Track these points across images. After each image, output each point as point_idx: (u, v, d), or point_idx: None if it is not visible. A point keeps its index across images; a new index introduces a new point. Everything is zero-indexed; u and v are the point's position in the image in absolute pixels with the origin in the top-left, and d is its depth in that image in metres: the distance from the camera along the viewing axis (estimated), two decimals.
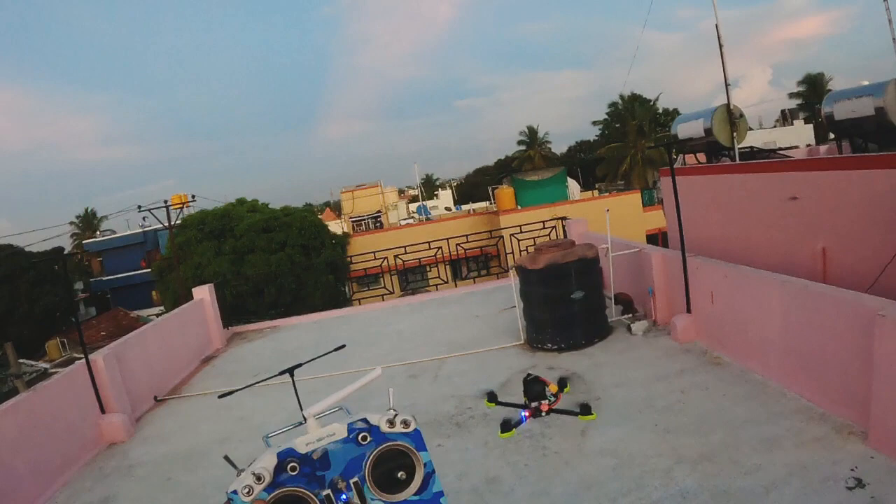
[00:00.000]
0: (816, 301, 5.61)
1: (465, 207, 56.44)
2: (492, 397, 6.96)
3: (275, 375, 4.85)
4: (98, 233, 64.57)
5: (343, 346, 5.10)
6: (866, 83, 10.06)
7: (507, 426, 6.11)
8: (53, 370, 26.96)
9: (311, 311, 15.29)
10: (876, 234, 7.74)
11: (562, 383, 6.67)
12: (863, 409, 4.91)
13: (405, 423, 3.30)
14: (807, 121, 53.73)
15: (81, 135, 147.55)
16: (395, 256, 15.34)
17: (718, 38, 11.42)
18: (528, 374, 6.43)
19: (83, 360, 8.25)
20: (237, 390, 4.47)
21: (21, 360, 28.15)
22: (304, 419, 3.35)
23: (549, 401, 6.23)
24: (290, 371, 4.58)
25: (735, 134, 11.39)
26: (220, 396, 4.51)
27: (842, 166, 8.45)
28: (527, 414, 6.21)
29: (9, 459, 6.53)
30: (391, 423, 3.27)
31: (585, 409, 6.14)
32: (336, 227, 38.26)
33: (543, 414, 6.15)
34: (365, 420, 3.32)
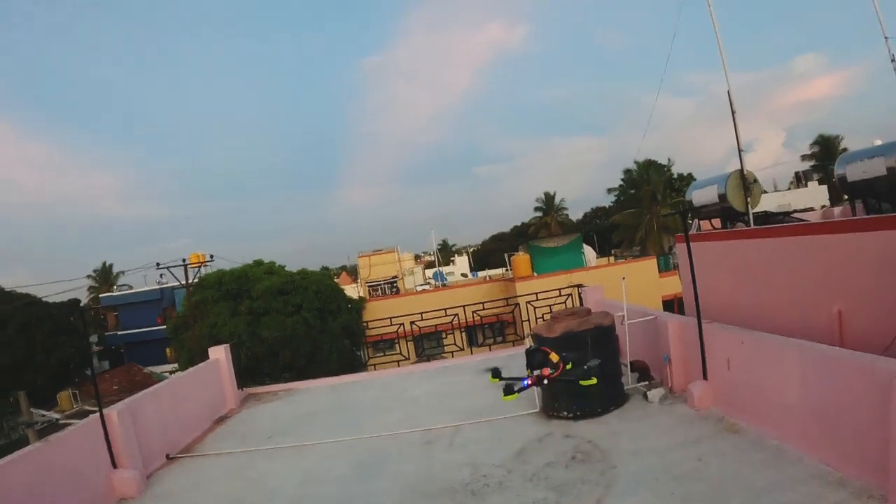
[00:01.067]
0: (833, 365, 5.62)
1: (481, 274, 56.54)
2: (496, 373, 6.91)
3: None
4: (115, 287, 65.24)
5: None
6: (879, 142, 10.16)
7: (509, 390, 6.07)
8: (65, 421, 26.92)
9: (325, 374, 15.31)
10: (892, 294, 7.72)
11: (564, 358, 6.60)
12: (882, 474, 4.86)
13: None
14: (821, 182, 53.78)
15: (103, 190, 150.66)
16: (411, 322, 15.38)
17: (731, 104, 11.61)
18: (530, 346, 6.40)
19: (97, 414, 8.30)
20: None
21: (33, 410, 28.17)
22: None
23: (552, 369, 6.18)
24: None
25: (749, 199, 11.47)
26: None
27: (854, 228, 8.48)
28: (529, 381, 6.17)
29: None
30: None
31: (585, 375, 6.08)
32: (352, 291, 38.42)
33: (545, 381, 6.09)
34: None
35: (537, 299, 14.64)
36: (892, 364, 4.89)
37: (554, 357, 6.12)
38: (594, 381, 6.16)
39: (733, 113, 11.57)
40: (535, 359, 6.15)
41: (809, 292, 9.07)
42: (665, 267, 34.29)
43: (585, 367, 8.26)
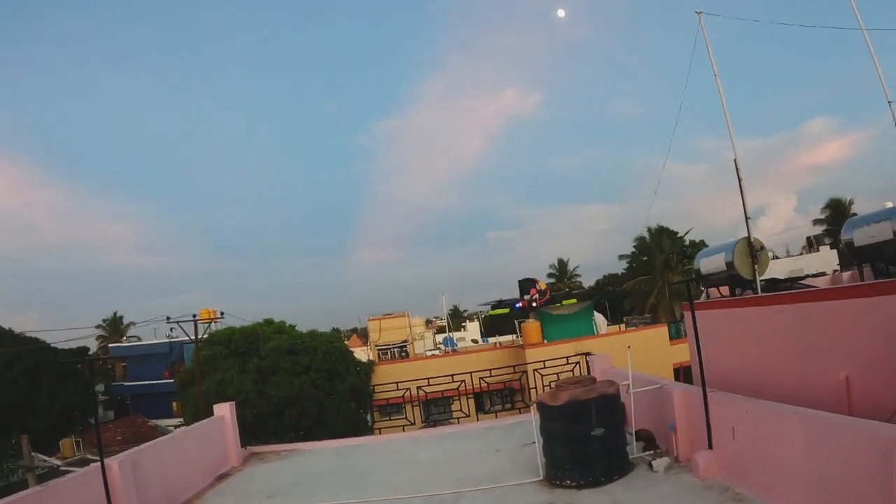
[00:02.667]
0: (836, 433, 5.61)
1: (491, 340, 56.23)
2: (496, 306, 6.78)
3: None
4: (125, 338, 65.23)
5: None
6: (890, 205, 10.22)
7: (500, 306, 5.96)
8: (66, 468, 26.72)
9: (331, 435, 15.19)
10: None
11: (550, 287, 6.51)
12: None
13: None
14: (832, 246, 53.52)
15: (117, 240, 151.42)
16: (419, 388, 15.32)
17: (737, 172, 11.77)
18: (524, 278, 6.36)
19: (98, 463, 8.32)
20: None
21: (34, 454, 28.02)
22: None
23: (540, 294, 6.13)
24: None
25: (756, 266, 11.51)
26: None
27: (860, 294, 8.49)
28: (521, 304, 6.11)
29: None
30: None
31: (566, 297, 5.99)
32: (362, 353, 38.31)
33: (534, 304, 6.02)
34: None
35: (545, 367, 14.58)
36: (893, 431, 4.85)
37: (542, 285, 6.14)
38: (574, 301, 6.14)
39: (740, 181, 11.74)
40: (524, 287, 6.16)
41: (817, 359, 9.04)
42: (676, 334, 33.99)
43: (591, 433, 8.26)
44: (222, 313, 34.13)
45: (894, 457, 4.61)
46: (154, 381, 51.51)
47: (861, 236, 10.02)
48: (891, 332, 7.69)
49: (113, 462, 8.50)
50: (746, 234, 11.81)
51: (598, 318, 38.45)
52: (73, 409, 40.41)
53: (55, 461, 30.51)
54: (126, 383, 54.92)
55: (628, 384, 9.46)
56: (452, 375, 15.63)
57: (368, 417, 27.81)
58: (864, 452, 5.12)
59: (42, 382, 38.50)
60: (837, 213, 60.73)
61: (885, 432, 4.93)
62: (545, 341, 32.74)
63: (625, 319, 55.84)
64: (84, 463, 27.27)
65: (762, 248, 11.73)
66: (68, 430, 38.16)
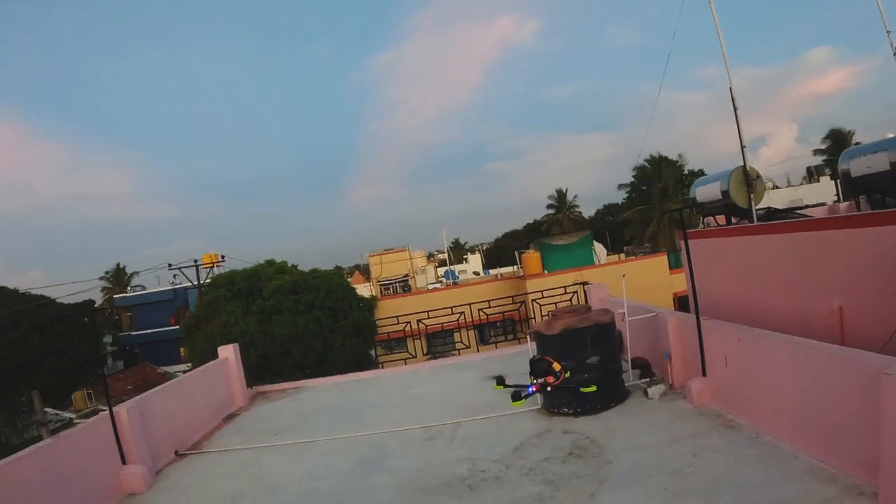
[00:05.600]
0: (823, 361, 5.65)
1: (493, 272, 56.53)
2: (500, 381, 6.99)
3: None
4: (129, 288, 65.71)
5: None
6: (891, 136, 10.12)
7: (517, 396, 6.16)
8: (78, 420, 27.20)
9: (337, 372, 15.39)
10: (892, 290, 7.71)
11: (565, 367, 6.69)
12: (872, 469, 4.88)
13: None
14: (832, 177, 53.38)
15: (116, 190, 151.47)
16: (419, 321, 15.45)
17: (733, 100, 11.61)
18: (534, 356, 6.50)
19: (107, 412, 8.48)
20: None
21: (47, 409, 28.51)
22: None
23: (555, 376, 6.28)
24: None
25: (752, 195, 11.47)
26: None
27: (856, 224, 8.47)
28: (534, 388, 6.27)
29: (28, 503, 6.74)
30: None
31: (587, 383, 6.16)
32: (365, 290, 38.56)
33: (549, 388, 6.19)
34: None
35: (543, 297, 14.67)
36: (880, 360, 4.91)
37: (556, 366, 6.24)
38: (594, 388, 6.26)
39: (735, 109, 11.59)
40: (539, 367, 6.27)
41: (811, 288, 9.07)
42: (676, 263, 34.04)
43: (586, 361, 8.37)
44: (223, 257, 34.29)
45: (881, 386, 4.67)
46: (160, 329, 52.17)
47: (858, 167, 9.93)
48: (885, 263, 7.70)
49: (121, 409, 8.65)
50: (742, 163, 11.73)
51: (598, 247, 38.57)
52: (82, 362, 40.92)
53: (68, 414, 31.01)
54: (133, 333, 55.63)
55: (623, 312, 9.54)
56: (452, 308, 15.75)
57: (373, 352, 28.15)
58: (852, 381, 5.19)
59: (50, 338, 38.86)
60: (838, 143, 60.18)
61: (873, 361, 4.98)
62: (545, 272, 32.93)
63: (625, 249, 56.03)
64: (96, 413, 27.75)
65: (758, 176, 11.66)
66: (79, 384, 38.71)
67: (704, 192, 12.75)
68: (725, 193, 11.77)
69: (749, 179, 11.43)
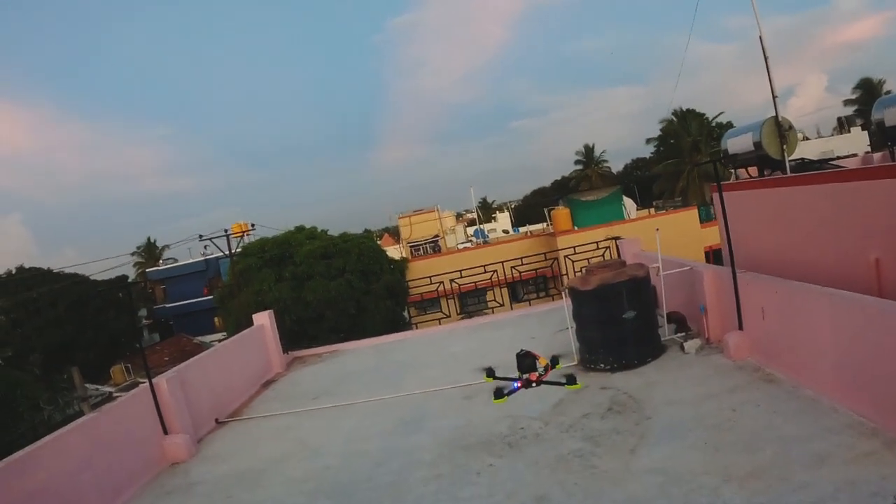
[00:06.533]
0: (866, 314, 5.58)
1: (522, 230, 56.36)
2: (490, 372, 7.08)
3: None
4: (161, 261, 66.48)
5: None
6: None
7: (499, 394, 6.25)
8: (118, 394, 27.87)
9: (370, 335, 15.56)
10: None
11: (554, 360, 6.74)
12: None
13: None
14: (864, 127, 52.18)
15: (143, 165, 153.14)
16: (451, 281, 15.52)
17: (763, 50, 11.36)
18: (521, 350, 6.54)
19: (147, 384, 8.68)
20: None
21: (87, 385, 29.20)
22: None
23: (539, 373, 6.33)
24: None
25: (785, 146, 11.26)
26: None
27: (892, 174, 8.31)
28: (518, 384, 6.33)
29: (76, 474, 7.00)
30: None
31: (571, 380, 6.23)
32: (395, 252, 38.69)
33: (534, 384, 6.26)
34: None
35: (575, 253, 14.64)
36: None
37: (542, 361, 6.26)
38: (579, 386, 6.29)
39: (766, 59, 11.34)
40: (524, 363, 6.29)
41: (847, 240, 8.93)
42: (706, 217, 33.62)
43: (623, 316, 8.39)
44: (253, 225, 34.48)
45: None
46: (194, 300, 52.84)
47: (892, 116, 9.71)
48: None
49: (161, 380, 8.83)
50: (774, 114, 11.50)
51: (628, 202, 38.22)
52: (119, 336, 41.74)
53: (107, 388, 31.75)
54: (167, 305, 56.42)
55: (658, 267, 9.50)
56: (484, 266, 15.79)
57: (406, 314, 28.35)
58: (894, 334, 5.14)
59: (86, 315, 39.62)
60: (869, 93, 58.70)
61: None
62: (575, 228, 32.73)
63: (654, 203, 55.43)
64: (135, 387, 28.35)
65: (790, 127, 11.42)
66: (117, 358, 39.56)
67: (736, 143, 12.54)
68: (758, 145, 11.56)
69: (782, 130, 11.22)
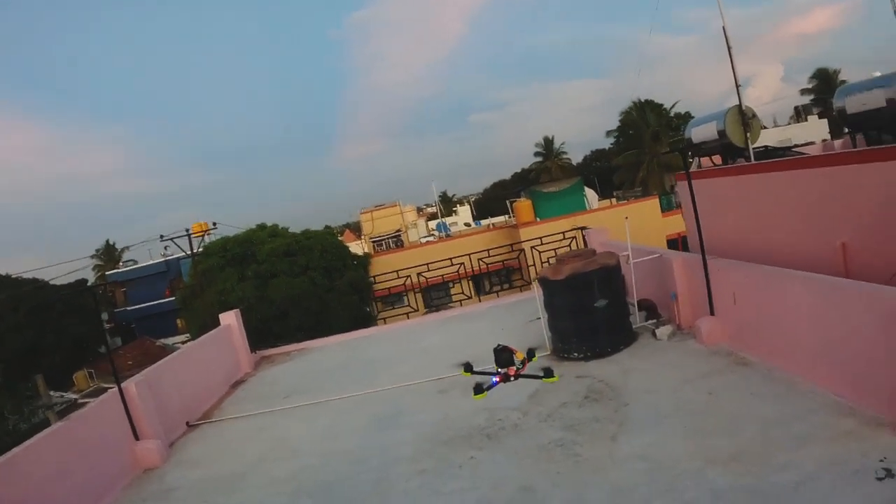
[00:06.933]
0: (841, 296, 5.68)
1: (484, 222, 56.53)
2: (467, 367, 7.08)
3: None
4: (121, 263, 65.10)
5: None
6: (878, 74, 10.08)
7: (479, 389, 6.25)
8: (83, 400, 27.31)
9: (336, 332, 15.41)
10: (894, 224, 7.75)
11: (530, 353, 6.76)
12: (890, 401, 4.98)
13: None
14: (821, 116, 53.47)
15: (101, 168, 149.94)
16: (419, 274, 15.46)
17: (726, 39, 11.51)
18: (498, 345, 6.55)
19: (115, 389, 8.42)
20: None
21: (51, 392, 28.53)
22: None
23: (517, 367, 6.35)
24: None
25: (748, 134, 11.43)
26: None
27: (857, 160, 8.45)
28: (497, 379, 6.34)
29: (48, 487, 6.75)
30: None
31: (548, 373, 6.26)
32: (357, 248, 38.49)
33: (512, 378, 6.27)
34: None
35: (542, 244, 14.67)
36: None
37: (519, 355, 6.27)
38: (556, 378, 6.31)
39: (729, 49, 11.49)
40: (501, 357, 6.28)
41: (813, 226, 9.09)
42: (668, 206, 34.10)
43: (595, 305, 8.42)
44: (215, 224, 33.93)
45: None
46: (156, 302, 51.86)
47: (854, 104, 9.89)
48: (889, 199, 7.71)
49: (130, 385, 8.58)
50: (736, 103, 11.67)
51: (590, 193, 38.49)
52: (81, 341, 40.82)
53: (72, 395, 31.04)
54: (128, 308, 55.19)
55: (628, 255, 9.55)
56: (451, 259, 15.74)
57: (371, 310, 28.19)
58: (869, 315, 5.23)
59: (48, 321, 38.67)
60: (825, 83, 60.66)
61: (890, 294, 5.02)
62: (538, 219, 32.87)
63: (614, 194, 55.99)
64: (100, 392, 27.68)
65: (754, 115, 11.61)
66: (80, 363, 38.68)
67: (700, 132, 12.69)
68: (722, 133, 11.72)
69: (745, 118, 11.38)
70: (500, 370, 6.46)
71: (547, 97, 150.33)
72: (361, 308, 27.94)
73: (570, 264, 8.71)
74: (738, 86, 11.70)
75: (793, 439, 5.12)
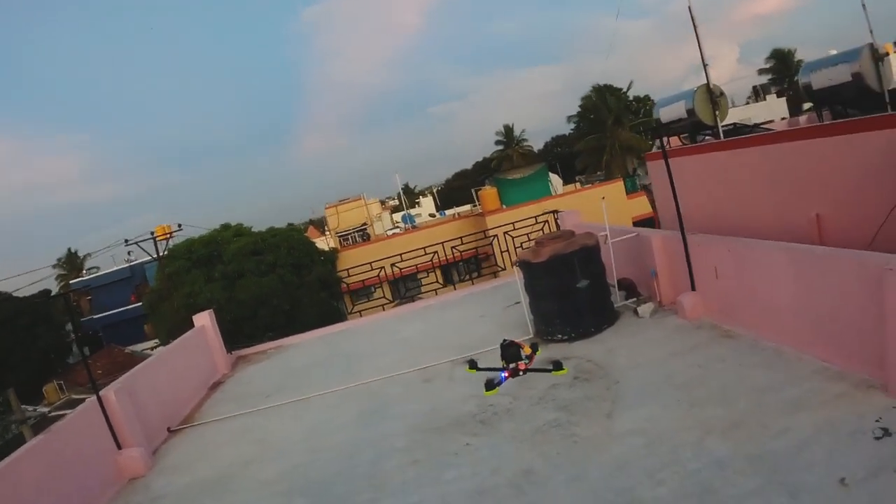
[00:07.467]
0: (824, 264, 5.77)
1: (449, 212, 56.50)
2: (472, 364, 7.06)
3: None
4: (84, 271, 63.69)
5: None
6: (835, 52, 10.26)
7: (490, 385, 6.22)
8: (55, 413, 26.68)
9: (306, 329, 15.22)
10: (867, 195, 7.90)
11: (534, 346, 6.76)
12: (880, 363, 5.05)
13: None
14: (779, 95, 54.58)
15: (59, 176, 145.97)
16: (392, 265, 15.36)
17: (692, 19, 11.60)
18: (504, 340, 6.52)
19: (94, 398, 8.15)
20: None
21: (24, 407, 27.88)
22: None
23: (525, 361, 6.33)
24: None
25: (717, 112, 11.56)
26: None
27: (827, 133, 8.61)
28: (506, 374, 6.33)
29: (32, 503, 6.50)
30: None
31: (557, 366, 6.26)
32: (322, 243, 38.23)
33: (521, 373, 6.25)
34: None
35: (514, 229, 14.67)
36: (882, 258, 5.01)
37: (526, 349, 6.24)
38: (565, 371, 6.29)
39: (695, 27, 11.59)
40: (509, 352, 6.24)
41: (787, 199, 9.24)
42: (632, 188, 34.52)
43: (577, 285, 8.44)
44: (180, 226, 33.42)
45: (885, 282, 4.78)
46: (122, 309, 50.86)
47: (819, 79, 10.05)
48: (860, 170, 7.85)
49: (109, 392, 8.31)
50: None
51: (554, 178, 38.78)
52: (49, 353, 39.83)
53: (43, 409, 30.29)
54: (94, 316, 53.82)
55: (605, 235, 9.59)
56: (425, 248, 15.67)
57: (341, 305, 28.04)
58: (854, 281, 5.32)
59: (14, 334, 37.64)
60: (782, 62, 62.34)
61: (874, 259, 5.10)
62: (504, 206, 32.97)
63: (577, 179, 56.37)
64: (72, 404, 27.02)
65: (721, 93, 11.76)
66: (48, 376, 37.74)
67: (668, 112, 12.79)
68: (691, 112, 11.83)
69: (713, 97, 11.50)
70: (507, 365, 6.43)
71: (505, 85, 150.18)
72: (331, 304, 27.79)
73: (551, 246, 8.71)
74: (705, 64, 11.84)
75: (787, 405, 5.19)
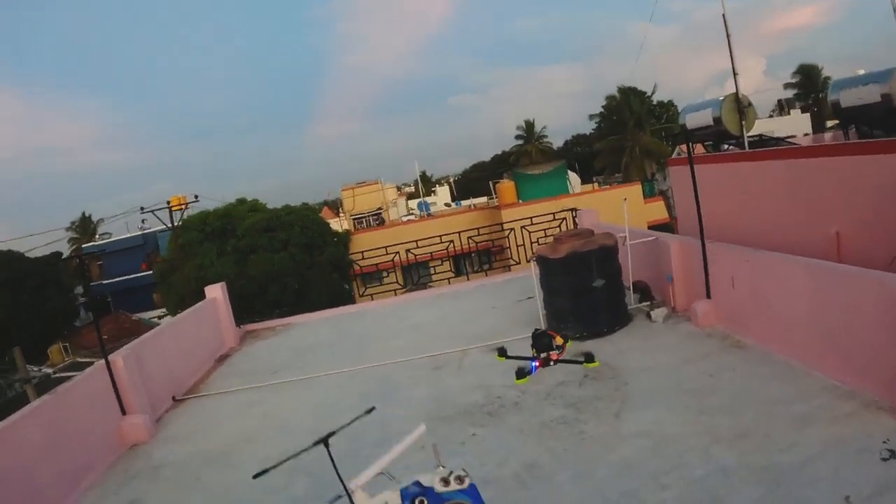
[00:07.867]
0: (841, 281, 5.75)
1: (464, 203, 56.49)
2: (502, 352, 7.07)
3: (308, 448, 3.74)
4: (97, 236, 63.85)
5: (372, 408, 4.36)
6: (862, 72, 10.20)
7: (521, 374, 6.22)
8: (58, 375, 26.89)
9: (315, 309, 15.28)
10: (889, 215, 7.86)
11: (565, 337, 6.77)
12: (890, 385, 5.06)
13: (460, 480, 3.23)
14: (803, 110, 54.32)
15: (77, 139, 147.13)
16: (407, 251, 15.40)
17: (726, 27, 11.55)
18: (536, 329, 6.52)
19: (102, 362, 8.17)
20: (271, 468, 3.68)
21: (28, 366, 28.09)
22: (349, 492, 3.23)
23: (557, 351, 6.34)
24: (325, 441, 3.70)
25: (744, 122, 11.51)
26: (255, 476, 3.59)
27: (853, 152, 8.57)
28: (537, 364, 6.33)
29: (33, 464, 6.52)
30: (445, 481, 3.22)
31: (590, 358, 6.27)
32: (335, 224, 38.27)
33: (552, 363, 6.26)
34: (417, 483, 3.26)
35: (532, 224, 14.68)
36: None
37: (559, 339, 6.23)
38: (597, 363, 6.29)
39: (728, 36, 11.52)
40: (541, 342, 6.24)
41: (808, 214, 9.20)
42: (650, 193, 34.30)
43: (593, 284, 8.44)
44: (196, 197, 33.47)
45: None
46: (132, 276, 50.91)
47: (848, 97, 10.00)
48: (883, 190, 7.81)
49: (117, 358, 8.34)
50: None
51: (573, 177, 38.61)
52: (57, 314, 40.02)
53: (46, 369, 30.51)
54: (104, 282, 53.91)
55: (624, 236, 9.58)
56: (441, 236, 15.69)
57: (351, 287, 28.04)
58: (870, 300, 5.30)
59: (22, 295, 37.87)
60: (807, 78, 62.02)
61: (892, 280, 5.10)
62: (520, 201, 32.92)
63: (595, 179, 56.13)
64: (76, 367, 27.24)
65: (749, 104, 11.70)
66: (54, 338, 37.98)
67: (694, 118, 12.74)
68: (717, 120, 11.78)
69: (741, 107, 11.45)
70: (538, 354, 6.44)
71: (528, 82, 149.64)
72: (342, 286, 27.80)
73: (569, 243, 8.71)
74: (735, 74, 11.76)
75: (796, 420, 5.20)
